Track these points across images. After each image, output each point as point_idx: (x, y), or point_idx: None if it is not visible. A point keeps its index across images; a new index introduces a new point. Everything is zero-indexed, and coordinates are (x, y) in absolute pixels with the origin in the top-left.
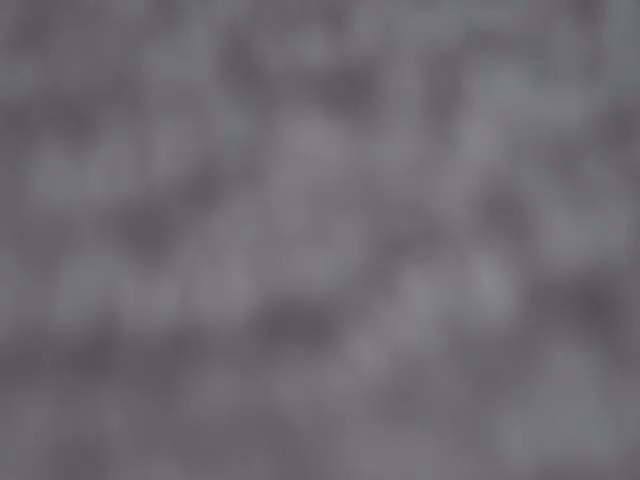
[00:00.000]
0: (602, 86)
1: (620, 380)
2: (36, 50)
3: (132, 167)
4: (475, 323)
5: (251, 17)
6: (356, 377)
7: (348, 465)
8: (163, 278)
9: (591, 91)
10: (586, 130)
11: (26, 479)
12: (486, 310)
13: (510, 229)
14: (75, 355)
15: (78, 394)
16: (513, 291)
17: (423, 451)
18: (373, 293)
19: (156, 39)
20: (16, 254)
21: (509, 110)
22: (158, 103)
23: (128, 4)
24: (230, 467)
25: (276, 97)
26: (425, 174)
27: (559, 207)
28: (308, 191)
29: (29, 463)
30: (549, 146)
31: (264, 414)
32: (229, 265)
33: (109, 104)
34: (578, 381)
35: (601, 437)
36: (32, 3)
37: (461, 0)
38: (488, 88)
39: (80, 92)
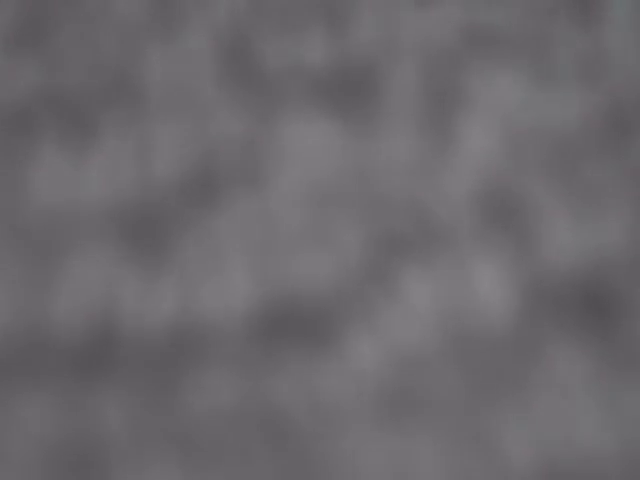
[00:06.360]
0: (602, 86)
1: (620, 380)
2: (36, 50)
3: (132, 167)
4: (475, 323)
5: (251, 17)
6: (356, 377)
7: (348, 464)
8: (163, 278)
9: (591, 91)
10: (586, 130)
11: (26, 479)
12: (485, 310)
13: (510, 229)
14: (75, 355)
15: (78, 394)
16: (513, 291)
17: (423, 450)
18: (373, 293)
19: (156, 39)
20: (16, 254)
21: (509, 110)
22: (158, 103)
23: (128, 4)
24: (230, 467)
25: (276, 97)
26: (425, 174)
27: (559, 207)
28: (308, 191)
29: (29, 463)
30: (549, 146)
31: (264, 414)
32: (229, 265)
33: (109, 104)
34: (578, 381)
35: (601, 436)
36: (32, 3)
37: (461, 0)
38: (488, 88)
39: (80, 92)
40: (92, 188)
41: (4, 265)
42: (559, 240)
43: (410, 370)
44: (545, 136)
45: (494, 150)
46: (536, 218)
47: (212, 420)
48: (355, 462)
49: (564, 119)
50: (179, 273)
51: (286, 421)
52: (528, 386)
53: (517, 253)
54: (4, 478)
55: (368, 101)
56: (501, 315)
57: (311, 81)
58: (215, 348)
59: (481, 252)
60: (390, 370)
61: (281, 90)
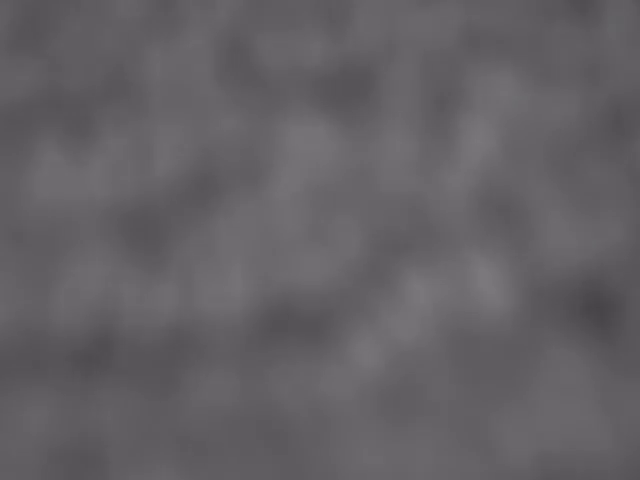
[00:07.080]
0: (602, 86)
1: (619, 380)
2: (36, 50)
3: (132, 167)
4: (474, 322)
5: (251, 17)
6: (355, 376)
7: (347, 464)
8: (163, 278)
9: (591, 91)
10: (585, 130)
11: (26, 479)
12: (485, 309)
13: (509, 229)
14: (74, 355)
15: (77, 394)
16: (512, 290)
17: (422, 450)
18: (373, 293)
19: (156, 39)
20: (16, 254)
21: (508, 110)
22: (158, 103)
23: (128, 4)
24: (230, 467)
25: (276, 97)
26: (424, 173)
27: (558, 207)
28: (307, 191)
29: (28, 464)
30: (548, 146)
31: (263, 414)
32: (228, 265)
33: (109, 104)
34: (577, 380)
35: (600, 437)
36: (32, 3)
37: (461, 0)
38: (487, 88)
39: (80, 92)
40: (92, 188)
41: (4, 265)
42: (558, 239)
43: (410, 369)
44: (545, 136)
45: (493, 150)
46: (535, 217)
47: (211, 420)
48: (355, 462)
49: (564, 119)
50: (179, 273)
51: (286, 421)
52: (528, 386)
53: (516, 252)
54: (4, 478)
55: (367, 101)
56: (500, 314)
57: (311, 81)
58: (215, 348)
59: (481, 251)
60: (390, 369)
61: (281, 90)
